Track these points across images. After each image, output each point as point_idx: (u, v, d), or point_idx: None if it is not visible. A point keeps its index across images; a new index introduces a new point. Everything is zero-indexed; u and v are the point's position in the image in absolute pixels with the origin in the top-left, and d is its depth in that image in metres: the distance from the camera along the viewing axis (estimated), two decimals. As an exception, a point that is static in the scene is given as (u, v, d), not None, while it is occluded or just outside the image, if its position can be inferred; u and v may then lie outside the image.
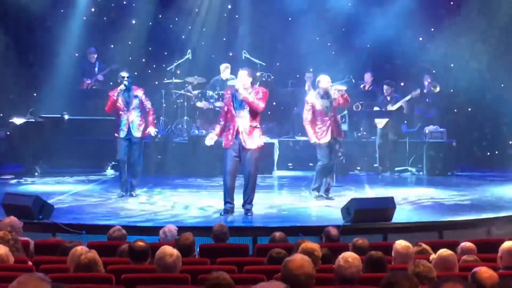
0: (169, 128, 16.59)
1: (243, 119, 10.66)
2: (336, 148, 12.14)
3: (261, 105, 10.65)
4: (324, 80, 12.06)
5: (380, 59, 17.32)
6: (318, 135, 12.00)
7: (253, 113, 10.68)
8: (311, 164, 15.61)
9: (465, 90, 17.10)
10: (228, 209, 10.77)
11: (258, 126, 10.81)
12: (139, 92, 12.34)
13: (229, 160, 10.71)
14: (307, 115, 12.02)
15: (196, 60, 17.09)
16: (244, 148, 10.64)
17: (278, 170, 15.85)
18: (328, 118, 11.96)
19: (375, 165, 15.63)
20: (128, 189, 12.45)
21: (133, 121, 12.23)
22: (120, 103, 12.22)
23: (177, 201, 12.18)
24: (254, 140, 10.67)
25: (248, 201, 10.84)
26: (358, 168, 15.85)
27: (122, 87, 12.14)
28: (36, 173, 14.90)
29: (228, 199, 10.81)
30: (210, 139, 10.93)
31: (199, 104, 16.19)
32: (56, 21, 16.71)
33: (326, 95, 11.99)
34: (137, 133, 12.27)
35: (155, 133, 12.58)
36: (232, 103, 10.71)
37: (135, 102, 12.26)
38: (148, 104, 12.37)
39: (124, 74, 12.30)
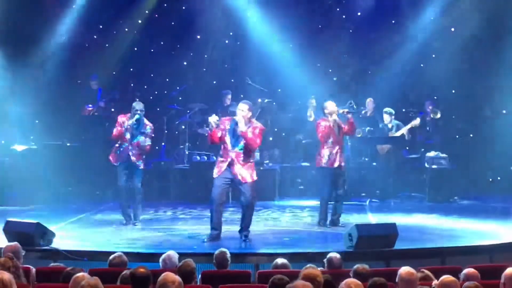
0: (171, 155, 16.60)
1: (237, 153, 10.65)
2: (340, 181, 12.12)
3: (257, 142, 10.69)
4: (330, 105, 12.13)
5: (382, 84, 17.33)
6: (325, 160, 12.01)
7: (248, 149, 10.71)
8: (309, 192, 15.72)
9: (466, 115, 17.13)
10: (214, 236, 10.78)
11: (252, 160, 10.84)
12: (148, 129, 12.28)
13: (218, 188, 10.71)
14: (321, 135, 12.05)
15: (198, 87, 17.14)
16: (240, 182, 10.66)
17: (279, 197, 15.80)
18: (336, 143, 11.99)
19: (377, 191, 15.60)
20: (130, 217, 12.40)
21: (133, 153, 12.18)
22: (126, 133, 12.20)
23: (178, 228, 12.17)
24: (249, 173, 10.70)
25: (245, 227, 10.87)
26: (363, 194, 15.79)
27: (132, 121, 12.07)
28: (39, 200, 14.82)
29: (214, 226, 10.82)
30: (214, 117, 10.75)
31: (200, 130, 16.24)
32: (58, 48, 16.74)
33: (334, 120, 12.04)
34: (137, 161, 12.22)
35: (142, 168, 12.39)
36: (227, 135, 10.70)
37: (140, 137, 12.21)
38: (147, 140, 12.24)
39: (138, 106, 12.18)
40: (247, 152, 10.68)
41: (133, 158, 12.17)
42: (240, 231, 10.93)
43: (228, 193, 10.88)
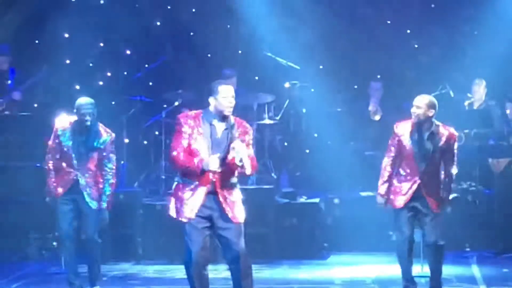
0: (137, 181, 16.58)
1: (222, 172, 10.45)
2: (429, 223, 11.98)
3: (255, 164, 10.51)
4: (417, 102, 11.92)
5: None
6: (394, 193, 11.91)
7: (233, 167, 10.47)
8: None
9: None
10: None
11: (238, 184, 10.61)
12: (105, 140, 12.36)
13: (196, 237, 10.49)
14: (388, 155, 12.04)
15: (181, 63, 17.12)
16: (226, 219, 10.44)
17: (327, 251, 15.89)
18: (418, 172, 11.84)
19: (493, 240, 15.49)
20: (78, 284, 12.46)
21: (84, 181, 12.26)
22: (67, 150, 12.23)
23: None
24: (237, 207, 10.49)
25: None
26: (466, 246, 15.76)
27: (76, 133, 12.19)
28: None
29: None
30: (214, 161, 10.56)
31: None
32: None
33: (427, 130, 11.85)
34: (89, 200, 12.28)
35: (106, 219, 12.55)
36: (201, 142, 10.47)
37: (92, 154, 12.27)
38: (110, 161, 12.40)
39: (85, 103, 12.21)
40: (231, 171, 10.49)
41: (87, 195, 12.26)
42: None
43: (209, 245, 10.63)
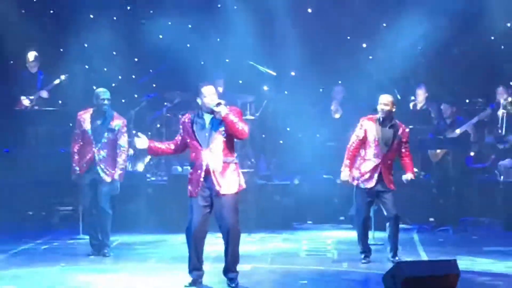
0: (143, 165, 16.62)
1: (213, 153, 10.50)
2: (388, 200, 12.14)
3: (246, 128, 10.45)
4: (379, 101, 12.16)
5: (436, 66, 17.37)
6: (359, 176, 12.09)
7: (228, 143, 10.52)
8: (342, 218, 15.78)
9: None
10: (196, 279, 10.72)
11: (236, 161, 10.70)
12: (117, 124, 12.56)
13: (196, 213, 10.52)
14: (352, 140, 12.25)
15: (179, 69, 17.17)
16: (217, 194, 10.52)
17: (295, 222, 15.88)
18: (381, 157, 12.04)
19: (430, 219, 15.61)
20: (99, 248, 12.68)
21: (100, 160, 12.41)
22: (87, 133, 12.42)
23: (153, 267, 12.19)
24: (231, 181, 10.56)
25: (230, 267, 10.75)
26: (407, 220, 15.81)
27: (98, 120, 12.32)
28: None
29: (195, 266, 10.78)
30: (140, 141, 10.72)
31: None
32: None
33: (388, 122, 12.08)
34: (105, 176, 12.43)
35: (116, 188, 12.67)
36: (195, 133, 10.59)
37: (107, 135, 12.46)
38: (123, 141, 12.56)
39: (103, 94, 12.46)
40: (228, 147, 10.54)
41: (100, 170, 12.41)
42: (224, 272, 10.84)
43: (208, 219, 10.70)
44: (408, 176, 12.29)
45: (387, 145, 12.10)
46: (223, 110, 10.31)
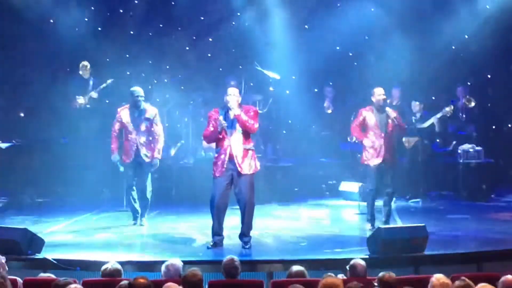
0: (174, 150, 16.64)
1: (235, 142, 10.73)
2: (389, 178, 12.16)
3: (255, 125, 10.78)
4: (375, 93, 12.22)
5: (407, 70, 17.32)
6: (367, 156, 12.09)
7: (246, 134, 10.79)
8: (327, 192, 15.76)
9: (504, 103, 17.09)
10: (217, 242, 10.89)
11: (253, 148, 10.91)
12: (152, 113, 12.57)
13: (219, 189, 10.76)
14: (354, 124, 12.35)
15: (202, 74, 17.16)
16: (239, 174, 10.70)
17: (294, 197, 15.82)
18: (381, 137, 12.05)
19: (404, 190, 15.63)
20: (138, 217, 12.70)
21: (141, 145, 12.43)
22: (129, 123, 12.36)
23: (182, 233, 12.20)
24: (249, 164, 10.75)
25: (245, 232, 10.88)
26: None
27: (125, 110, 12.38)
28: (25, 203, 14.93)
29: (217, 231, 10.90)
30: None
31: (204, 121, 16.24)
32: (46, 33, 16.75)
33: (382, 109, 12.14)
34: (145, 157, 12.44)
35: (156, 164, 12.65)
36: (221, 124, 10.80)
37: (145, 124, 12.47)
38: (158, 129, 12.57)
39: (138, 92, 12.49)
40: (246, 137, 10.77)
41: (141, 153, 12.42)
42: (240, 237, 10.96)
43: (229, 194, 10.84)
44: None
45: (385, 127, 12.11)
46: (234, 112, 10.59)
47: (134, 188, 12.61)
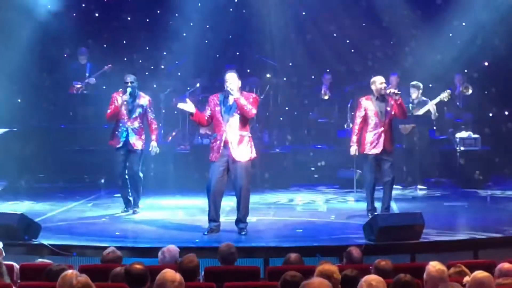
0: (170, 137, 16.63)
1: (231, 127, 10.68)
2: (387, 167, 12.09)
3: (253, 110, 10.69)
4: (376, 81, 12.13)
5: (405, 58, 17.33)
6: (367, 144, 12.01)
7: (243, 120, 10.71)
8: (316, 176, 15.70)
9: (501, 91, 17.08)
10: (213, 228, 10.85)
11: (249, 135, 10.86)
12: (145, 101, 12.44)
13: (215, 174, 10.73)
14: (356, 121, 12.17)
15: (199, 60, 17.13)
16: (234, 161, 10.67)
17: (292, 183, 15.81)
18: (381, 125, 11.97)
19: (400, 177, 15.61)
20: (130, 203, 12.58)
21: (133, 131, 12.30)
22: (122, 110, 12.30)
23: (179, 219, 12.20)
24: (245, 151, 10.70)
25: (241, 219, 10.87)
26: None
27: (126, 96, 12.20)
28: (21, 189, 14.92)
29: (213, 217, 10.87)
30: (189, 106, 10.83)
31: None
32: (43, 19, 16.69)
33: (382, 98, 12.05)
34: (137, 144, 12.32)
35: (156, 151, 12.56)
36: (220, 109, 10.75)
37: (139, 111, 12.37)
38: (151, 115, 12.46)
39: (129, 79, 12.34)
40: (243, 123, 10.71)
41: (131, 140, 12.26)
42: (236, 223, 10.95)
43: (225, 180, 10.81)
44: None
45: (385, 116, 12.04)
46: (234, 95, 10.45)
47: (125, 175, 12.47)
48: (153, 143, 12.45)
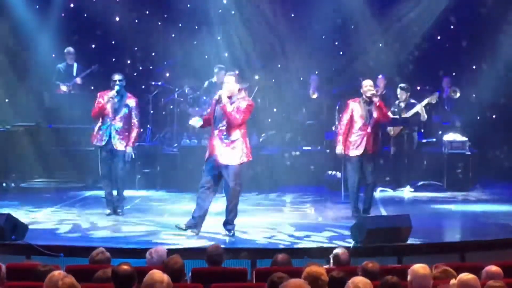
0: (157, 138, 16.60)
1: (218, 133, 10.71)
2: (369, 169, 12.16)
3: (237, 119, 10.62)
4: (363, 84, 12.24)
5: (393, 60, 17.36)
6: (350, 146, 12.08)
7: (230, 126, 10.71)
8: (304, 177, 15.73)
9: (489, 95, 17.13)
10: (189, 225, 10.88)
11: (240, 139, 10.80)
12: (132, 102, 12.37)
13: (205, 171, 10.85)
14: (343, 122, 12.29)
15: (187, 62, 17.12)
16: (222, 165, 10.68)
17: (279, 185, 15.78)
18: (365, 128, 12.05)
19: (387, 178, 15.63)
20: (114, 206, 12.50)
21: (116, 131, 12.23)
22: (108, 108, 12.23)
23: (166, 220, 12.18)
24: (234, 155, 10.69)
25: (229, 220, 10.90)
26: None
27: (113, 93, 12.14)
28: (8, 189, 14.88)
29: (194, 213, 10.94)
30: (195, 120, 10.95)
31: (191, 110, 16.18)
32: (31, 18, 16.67)
33: (369, 101, 12.15)
34: (119, 145, 12.26)
35: (130, 156, 12.42)
36: (213, 112, 10.80)
37: (124, 110, 12.30)
38: (135, 118, 12.36)
39: (117, 77, 12.28)
40: (229, 129, 10.71)
41: (113, 141, 12.18)
42: (224, 224, 10.98)
43: (217, 178, 10.83)
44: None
45: (369, 118, 12.12)
46: (223, 100, 10.59)
47: (110, 176, 12.39)
48: (128, 148, 12.31)
